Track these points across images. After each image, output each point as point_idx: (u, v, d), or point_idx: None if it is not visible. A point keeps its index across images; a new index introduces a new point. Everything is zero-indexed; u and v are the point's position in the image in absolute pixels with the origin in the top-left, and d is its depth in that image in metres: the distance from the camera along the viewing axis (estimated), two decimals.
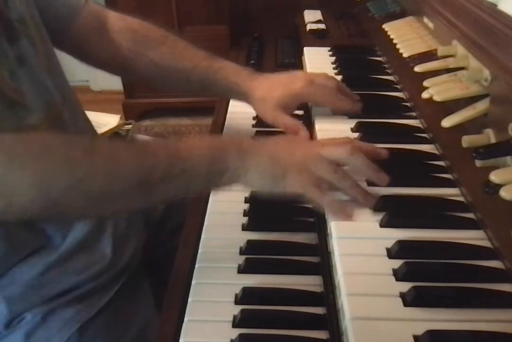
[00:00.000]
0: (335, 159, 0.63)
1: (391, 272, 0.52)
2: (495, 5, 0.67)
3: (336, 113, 0.85)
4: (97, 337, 0.73)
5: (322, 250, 0.63)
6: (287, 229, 0.69)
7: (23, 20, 0.68)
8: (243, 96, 0.86)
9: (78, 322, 0.72)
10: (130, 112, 2.53)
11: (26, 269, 0.70)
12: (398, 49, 0.97)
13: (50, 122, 0.69)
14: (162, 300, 0.63)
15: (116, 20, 0.87)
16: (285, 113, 0.82)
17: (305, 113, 0.92)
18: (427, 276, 0.52)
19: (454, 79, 0.76)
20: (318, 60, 1.08)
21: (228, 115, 0.99)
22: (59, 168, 0.54)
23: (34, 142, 0.55)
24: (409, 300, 0.49)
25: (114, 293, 0.76)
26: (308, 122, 0.89)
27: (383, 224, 0.59)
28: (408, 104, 0.87)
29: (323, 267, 0.61)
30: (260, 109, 0.85)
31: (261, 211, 0.73)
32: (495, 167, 0.61)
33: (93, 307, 0.74)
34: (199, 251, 0.66)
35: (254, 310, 0.57)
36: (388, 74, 1.01)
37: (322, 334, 0.55)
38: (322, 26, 1.31)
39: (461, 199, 0.62)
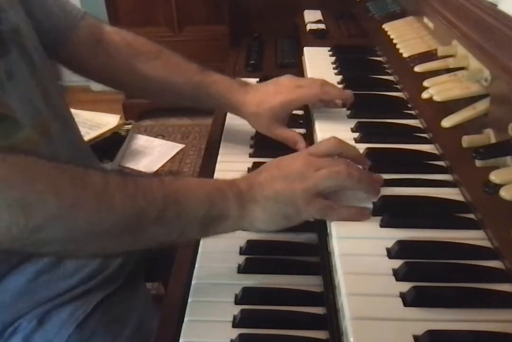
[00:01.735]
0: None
1: (391, 272, 0.52)
2: (495, 5, 0.67)
3: (332, 106, 0.85)
4: (95, 334, 0.73)
5: (322, 250, 0.62)
6: (287, 229, 0.69)
7: (16, 30, 0.68)
8: (235, 111, 0.86)
9: (75, 321, 0.72)
10: (130, 112, 2.53)
11: (15, 277, 0.70)
12: (398, 49, 0.97)
13: (37, 137, 0.67)
14: (161, 299, 0.63)
15: (112, 34, 0.87)
16: (280, 124, 0.82)
17: (305, 113, 0.92)
18: (427, 276, 0.51)
19: (454, 79, 0.76)
20: (318, 60, 1.08)
21: (228, 115, 0.99)
22: (44, 194, 0.48)
23: (21, 164, 0.49)
24: (409, 300, 0.49)
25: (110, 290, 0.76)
26: (308, 122, 0.89)
27: (383, 224, 0.58)
28: (408, 104, 0.87)
29: (323, 267, 0.61)
30: (255, 124, 0.85)
31: None
32: (495, 167, 0.61)
33: (88, 304, 0.74)
34: (199, 251, 0.67)
35: (254, 310, 0.58)
36: (388, 74, 1.01)
37: (322, 334, 0.55)
38: (322, 26, 1.31)
39: (461, 198, 0.62)
